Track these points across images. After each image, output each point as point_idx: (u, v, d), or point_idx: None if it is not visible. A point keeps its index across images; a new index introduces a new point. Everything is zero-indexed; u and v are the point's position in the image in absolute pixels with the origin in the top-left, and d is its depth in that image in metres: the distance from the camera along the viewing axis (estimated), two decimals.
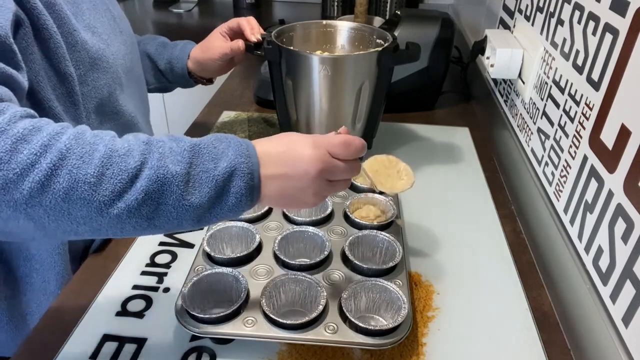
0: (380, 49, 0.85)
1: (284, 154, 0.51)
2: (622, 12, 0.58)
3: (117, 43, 0.77)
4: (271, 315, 0.56)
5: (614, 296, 0.55)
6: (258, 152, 0.50)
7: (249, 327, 0.56)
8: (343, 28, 0.96)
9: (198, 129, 1.11)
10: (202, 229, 0.77)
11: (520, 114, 0.93)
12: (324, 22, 0.97)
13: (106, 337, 0.61)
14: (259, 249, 0.68)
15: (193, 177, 0.46)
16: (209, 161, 0.47)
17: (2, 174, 0.41)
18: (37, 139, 0.43)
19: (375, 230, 0.69)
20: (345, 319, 0.57)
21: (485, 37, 0.99)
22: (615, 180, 0.56)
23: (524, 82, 0.89)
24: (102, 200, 0.43)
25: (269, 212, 0.75)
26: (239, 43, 0.89)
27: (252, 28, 0.90)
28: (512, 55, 0.90)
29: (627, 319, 0.52)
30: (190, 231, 0.78)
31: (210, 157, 0.48)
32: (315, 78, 0.84)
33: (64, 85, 0.66)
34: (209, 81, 1.01)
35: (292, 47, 0.87)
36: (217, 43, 0.91)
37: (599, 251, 0.59)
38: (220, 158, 0.48)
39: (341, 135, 0.53)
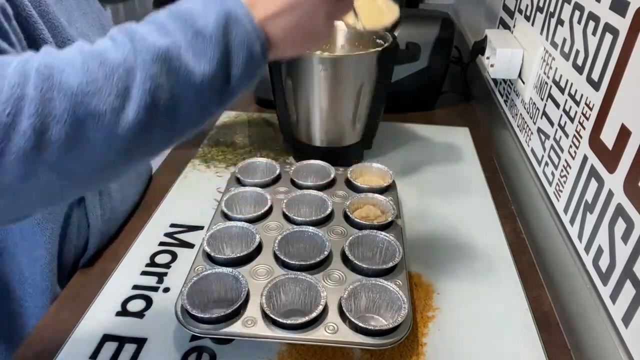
0: (380, 49, 0.85)
1: None
2: (622, 12, 0.58)
3: None
4: (271, 315, 0.56)
5: (614, 296, 0.55)
6: None
7: (249, 327, 0.56)
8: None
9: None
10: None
11: (520, 114, 0.93)
12: None
13: (106, 337, 0.61)
14: (259, 249, 0.68)
15: (188, 45, 0.42)
16: (195, 22, 0.42)
17: None
18: (10, 70, 0.37)
19: (375, 230, 0.69)
20: (345, 319, 0.57)
21: (485, 37, 0.99)
22: (615, 180, 0.56)
23: (524, 82, 0.89)
24: (113, 107, 0.38)
25: (269, 212, 0.75)
26: None
27: None
28: (512, 55, 0.90)
29: (627, 319, 0.52)
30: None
31: (193, 19, 0.43)
32: (315, 78, 0.84)
33: None
34: None
35: None
36: None
37: (599, 251, 0.59)
38: (206, 15, 0.43)
39: None
